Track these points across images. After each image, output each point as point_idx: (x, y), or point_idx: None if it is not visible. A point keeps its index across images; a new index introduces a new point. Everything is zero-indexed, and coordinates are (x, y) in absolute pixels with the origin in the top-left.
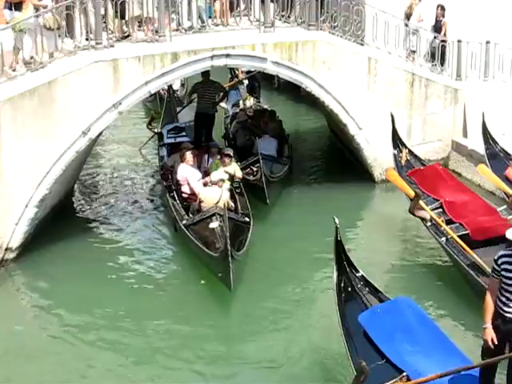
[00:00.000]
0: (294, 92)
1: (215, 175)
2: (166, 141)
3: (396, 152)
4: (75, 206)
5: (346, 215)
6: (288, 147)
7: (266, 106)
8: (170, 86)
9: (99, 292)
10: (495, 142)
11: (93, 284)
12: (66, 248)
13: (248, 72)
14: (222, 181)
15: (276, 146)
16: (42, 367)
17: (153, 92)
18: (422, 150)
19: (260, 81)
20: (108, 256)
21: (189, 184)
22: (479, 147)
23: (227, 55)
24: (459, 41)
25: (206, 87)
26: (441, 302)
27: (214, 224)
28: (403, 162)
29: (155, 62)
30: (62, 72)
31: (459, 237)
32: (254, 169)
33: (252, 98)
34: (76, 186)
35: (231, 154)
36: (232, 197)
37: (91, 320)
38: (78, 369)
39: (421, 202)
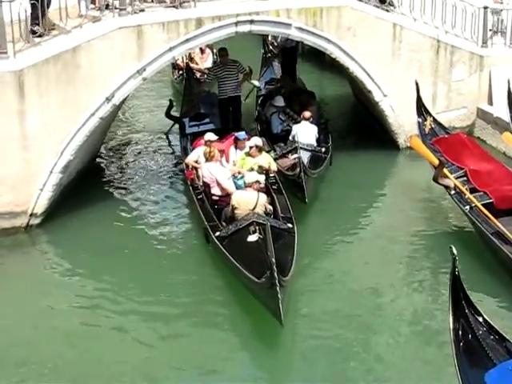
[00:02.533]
0: (318, 59)
1: (249, 177)
2: (189, 130)
3: (420, 120)
4: (100, 172)
5: (370, 182)
6: (326, 135)
7: (300, 83)
8: (188, 64)
9: (122, 259)
10: None
11: (116, 251)
12: (90, 214)
13: (283, 49)
14: (258, 183)
15: (316, 134)
16: (64, 333)
17: (177, 58)
18: (446, 117)
19: (296, 58)
20: (131, 224)
21: (219, 185)
22: (504, 115)
23: (251, 21)
24: (485, 7)
25: (226, 68)
26: (463, 271)
27: (253, 237)
28: (427, 129)
29: (179, 27)
30: (86, 38)
31: (483, 205)
32: (291, 159)
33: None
34: (100, 152)
35: (252, 145)
36: (268, 195)
37: (113, 287)
38: (102, 336)
39: (445, 170)
